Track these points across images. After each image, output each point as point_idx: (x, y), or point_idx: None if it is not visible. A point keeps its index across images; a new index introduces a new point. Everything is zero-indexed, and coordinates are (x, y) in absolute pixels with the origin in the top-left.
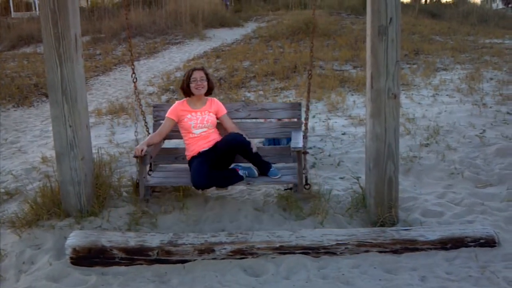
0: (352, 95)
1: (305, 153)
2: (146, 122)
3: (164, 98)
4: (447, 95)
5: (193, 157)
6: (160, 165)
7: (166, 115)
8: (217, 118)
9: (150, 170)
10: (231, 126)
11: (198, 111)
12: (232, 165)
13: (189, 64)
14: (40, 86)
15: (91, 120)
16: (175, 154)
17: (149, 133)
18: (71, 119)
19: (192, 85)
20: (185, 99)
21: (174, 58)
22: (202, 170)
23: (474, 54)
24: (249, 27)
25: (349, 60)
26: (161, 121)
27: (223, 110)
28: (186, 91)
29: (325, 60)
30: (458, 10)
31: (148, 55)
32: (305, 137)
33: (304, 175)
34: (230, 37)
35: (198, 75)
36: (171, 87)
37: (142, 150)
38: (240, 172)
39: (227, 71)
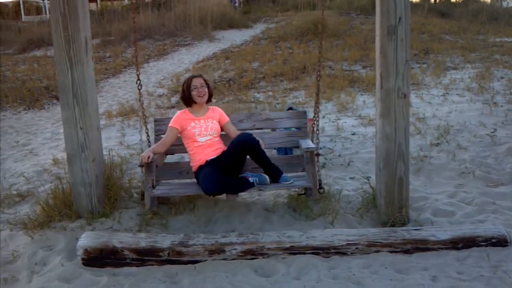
0: (362, 95)
1: (318, 154)
2: (147, 130)
3: (173, 99)
4: (457, 94)
5: (200, 167)
6: (163, 181)
7: (169, 124)
8: (221, 127)
9: (153, 186)
10: (236, 133)
11: (202, 119)
12: (242, 175)
13: (198, 66)
14: (51, 89)
15: (102, 122)
16: (179, 169)
17: (150, 143)
18: (82, 121)
19: (194, 93)
20: (186, 109)
21: (183, 60)
22: (212, 177)
23: (484, 53)
24: (258, 28)
25: (358, 60)
26: (162, 135)
27: (225, 118)
28: (187, 100)
29: (335, 61)
30: (468, 8)
31: (158, 57)
32: (316, 138)
33: (318, 178)
34: (239, 38)
35: (198, 82)
36: (180, 88)
37: (148, 157)
38: (251, 179)
39: (236, 72)
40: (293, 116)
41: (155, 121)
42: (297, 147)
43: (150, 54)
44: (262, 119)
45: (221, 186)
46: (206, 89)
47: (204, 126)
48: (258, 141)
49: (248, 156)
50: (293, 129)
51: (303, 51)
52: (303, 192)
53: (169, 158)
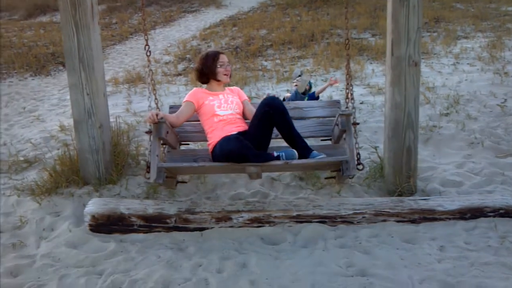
0: (371, 63)
1: (356, 124)
2: (157, 100)
3: (180, 67)
4: (467, 63)
5: (221, 140)
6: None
7: (184, 100)
8: None
9: (164, 156)
10: (253, 112)
11: (220, 93)
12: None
13: (205, 33)
14: (57, 55)
15: (108, 89)
16: (193, 156)
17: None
18: (88, 86)
19: (221, 70)
20: (202, 87)
21: (190, 27)
22: (232, 136)
23: (496, 22)
24: None
25: (367, 28)
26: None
27: (244, 96)
28: (207, 75)
29: (343, 28)
30: None
31: (164, 23)
32: (352, 107)
33: (356, 151)
34: (246, 5)
35: (225, 59)
36: (187, 56)
37: (157, 115)
38: (275, 153)
39: (243, 40)
40: (326, 105)
41: (170, 107)
42: (330, 137)
43: (156, 20)
44: (290, 108)
45: (241, 145)
46: (230, 68)
47: (223, 99)
48: (285, 107)
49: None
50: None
51: (311, 19)
52: (332, 176)
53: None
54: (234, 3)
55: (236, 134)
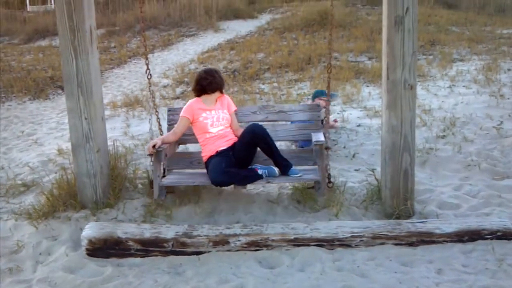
0: (368, 86)
1: (328, 148)
2: (159, 119)
3: (178, 90)
4: (463, 86)
5: (211, 157)
6: (175, 170)
7: (181, 114)
8: None
9: (164, 175)
10: (236, 125)
11: (213, 109)
12: (251, 166)
13: (203, 57)
14: (56, 79)
15: (107, 112)
16: (190, 159)
17: (162, 132)
18: (86, 111)
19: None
20: (198, 98)
21: (188, 51)
22: (221, 167)
23: (491, 45)
24: (263, 19)
25: (364, 51)
26: (175, 125)
27: (233, 107)
28: (215, 87)
29: (340, 52)
30: (475, 0)
31: (162, 47)
32: (327, 132)
33: (327, 172)
34: (244, 29)
35: None
36: (186, 79)
37: (154, 146)
38: (259, 171)
39: (241, 63)
40: (307, 108)
41: (168, 110)
42: (310, 140)
43: (155, 44)
44: (275, 111)
45: (229, 177)
46: None
47: (215, 116)
48: (268, 134)
49: (258, 149)
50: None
51: (308, 42)
52: (312, 186)
53: (181, 148)
54: (232, 27)
55: (224, 161)
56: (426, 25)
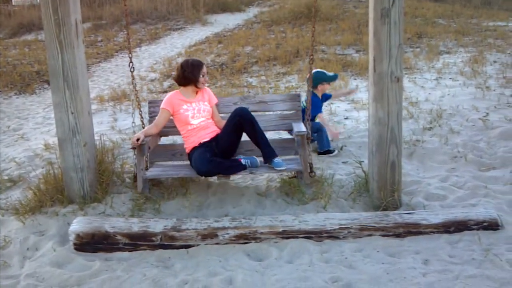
0: (355, 79)
1: (309, 139)
2: (141, 113)
3: (166, 84)
4: (450, 78)
5: (194, 148)
6: (157, 162)
7: (161, 106)
8: None
9: (146, 168)
10: (218, 117)
11: (193, 102)
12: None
13: (191, 50)
14: (42, 73)
15: (94, 106)
16: (172, 151)
17: (144, 125)
18: (72, 105)
19: (202, 79)
20: (178, 90)
21: (175, 44)
22: (205, 157)
23: (477, 37)
24: (251, 12)
25: (351, 44)
26: (156, 117)
27: (214, 99)
28: (188, 80)
29: (328, 45)
30: None
31: (150, 41)
32: (309, 123)
33: (308, 162)
34: (231, 22)
35: (205, 70)
36: (173, 73)
37: (138, 139)
38: (243, 161)
39: (229, 57)
40: (287, 99)
41: (149, 103)
42: (290, 130)
43: (142, 38)
44: (256, 101)
45: (213, 166)
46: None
47: (196, 108)
48: (253, 116)
49: (242, 140)
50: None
51: (296, 35)
52: (294, 175)
53: (163, 140)
54: (219, 20)
55: (207, 151)
56: (413, 18)
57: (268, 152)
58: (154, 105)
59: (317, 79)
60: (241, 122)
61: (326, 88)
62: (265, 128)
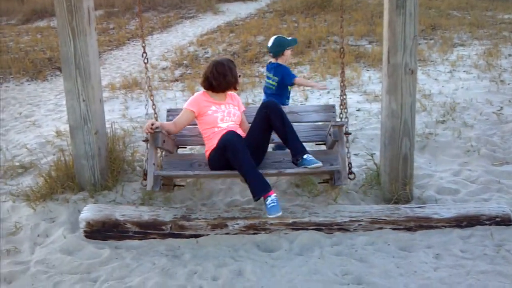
0: (368, 70)
1: (348, 133)
2: (154, 105)
3: (177, 73)
4: (464, 71)
5: (215, 149)
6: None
7: (185, 106)
8: None
9: (159, 161)
10: (247, 127)
11: (223, 104)
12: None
13: (203, 39)
14: (54, 60)
15: (105, 94)
16: (190, 160)
17: (156, 114)
18: (84, 93)
19: (237, 82)
20: (204, 91)
21: (187, 33)
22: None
23: (492, 30)
24: (264, 1)
25: (364, 35)
26: (177, 116)
27: (242, 107)
28: (228, 85)
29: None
30: None
31: (161, 29)
32: (345, 117)
33: (348, 161)
34: (244, 11)
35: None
36: (185, 61)
37: (152, 125)
38: (271, 198)
39: (240, 46)
40: (320, 109)
41: (167, 111)
42: (324, 142)
43: (154, 26)
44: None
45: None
46: None
47: (226, 111)
48: (282, 109)
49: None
50: None
51: (308, 25)
52: (326, 181)
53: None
54: (232, 9)
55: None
56: (427, 9)
57: (298, 147)
58: (172, 113)
59: (283, 45)
60: (268, 114)
61: (289, 55)
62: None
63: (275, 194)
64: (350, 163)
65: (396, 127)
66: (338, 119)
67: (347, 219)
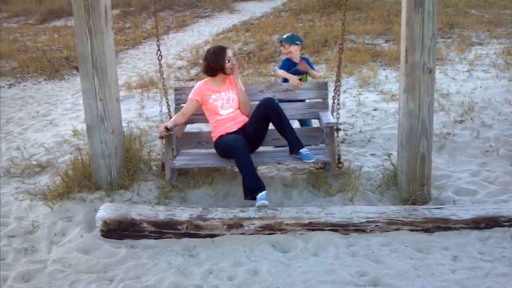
0: (384, 69)
1: (338, 129)
2: (168, 104)
3: (193, 72)
4: (482, 70)
5: (221, 136)
6: (183, 150)
7: (190, 96)
8: None
9: (174, 156)
10: (246, 100)
11: (222, 91)
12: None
13: (218, 38)
14: (71, 59)
15: (121, 93)
16: (198, 139)
17: (171, 116)
18: (101, 92)
19: (228, 65)
20: (207, 79)
21: (203, 32)
22: (239, 138)
23: (511, 28)
24: (279, 0)
25: (381, 34)
26: (183, 105)
27: (242, 87)
28: (215, 70)
29: (357, 34)
30: None
31: (177, 28)
32: (337, 113)
33: (336, 153)
34: (259, 10)
35: (231, 53)
36: (200, 61)
37: (167, 128)
38: (262, 197)
39: (256, 45)
40: (314, 87)
41: (175, 90)
42: (318, 118)
43: (169, 25)
44: (282, 90)
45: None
46: (236, 61)
47: (225, 98)
48: (279, 106)
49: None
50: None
51: (324, 24)
52: (321, 167)
53: (189, 128)
54: (247, 8)
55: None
56: (444, 8)
57: (295, 143)
58: (180, 92)
59: (295, 38)
60: (267, 112)
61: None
62: (292, 116)
63: (266, 191)
64: (339, 155)
65: (413, 127)
66: (332, 117)
67: (364, 220)
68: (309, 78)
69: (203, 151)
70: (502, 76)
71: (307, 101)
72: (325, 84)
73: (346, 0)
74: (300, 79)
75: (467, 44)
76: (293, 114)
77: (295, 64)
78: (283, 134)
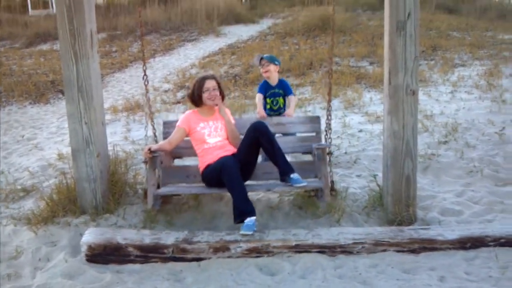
0: (369, 91)
1: (330, 153)
2: (154, 128)
3: (179, 95)
4: (465, 91)
5: (209, 165)
6: (170, 183)
7: (177, 124)
8: None
9: (158, 186)
10: (236, 135)
11: (211, 120)
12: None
13: (204, 61)
14: (57, 83)
15: (107, 117)
16: (186, 172)
17: (156, 137)
18: (86, 116)
19: (205, 95)
20: (195, 109)
21: (189, 55)
22: (233, 160)
23: (492, 50)
24: (265, 24)
25: (365, 56)
26: (171, 134)
27: (232, 119)
28: (196, 101)
29: (341, 57)
30: (476, 5)
31: (164, 52)
32: (329, 137)
33: (330, 179)
34: (245, 34)
35: (210, 84)
36: (187, 84)
37: (150, 150)
38: (246, 225)
39: (242, 68)
40: (307, 121)
41: (164, 123)
42: (311, 153)
43: (156, 49)
44: (274, 123)
45: (237, 169)
46: (217, 92)
47: (213, 126)
48: (269, 130)
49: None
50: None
51: (309, 47)
52: (313, 194)
53: (176, 162)
54: (233, 32)
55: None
56: (427, 30)
57: (285, 168)
58: (168, 125)
59: (274, 59)
60: (257, 136)
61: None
62: (284, 150)
63: (255, 218)
64: (332, 181)
65: (398, 148)
66: (324, 139)
67: (351, 241)
68: (286, 101)
69: (190, 185)
70: (485, 97)
71: (297, 134)
72: (317, 118)
73: (333, 26)
74: (277, 102)
75: (450, 66)
76: (285, 147)
77: (272, 87)
78: (273, 159)
